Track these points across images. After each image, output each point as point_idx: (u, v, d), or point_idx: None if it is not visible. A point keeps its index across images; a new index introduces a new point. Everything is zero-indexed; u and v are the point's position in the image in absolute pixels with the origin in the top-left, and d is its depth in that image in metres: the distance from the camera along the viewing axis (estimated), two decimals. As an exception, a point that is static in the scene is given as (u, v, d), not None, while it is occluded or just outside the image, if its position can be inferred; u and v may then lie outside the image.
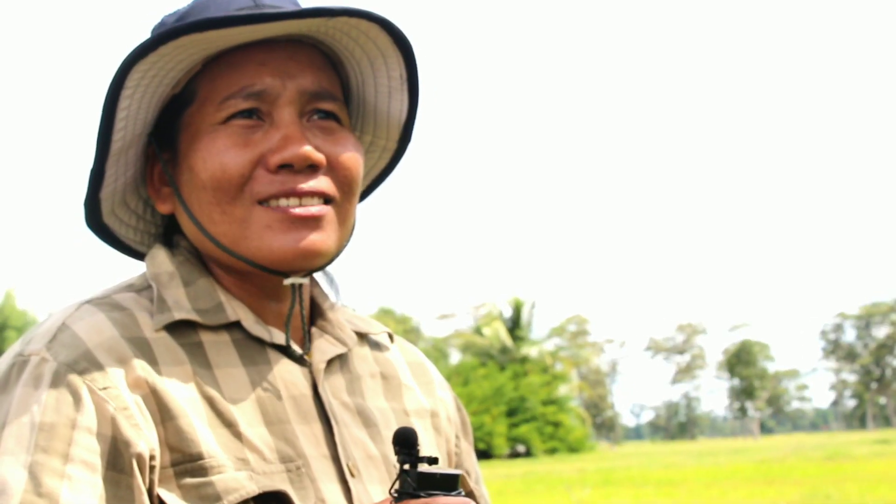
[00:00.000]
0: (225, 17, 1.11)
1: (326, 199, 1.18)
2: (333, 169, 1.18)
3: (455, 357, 60.34)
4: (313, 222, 1.16)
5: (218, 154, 1.15)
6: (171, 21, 1.21)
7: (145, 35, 1.24)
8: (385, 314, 67.90)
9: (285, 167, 1.15)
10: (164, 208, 1.22)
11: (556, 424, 50.08)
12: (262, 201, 1.15)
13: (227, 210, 1.15)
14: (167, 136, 1.20)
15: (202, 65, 1.17)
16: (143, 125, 1.17)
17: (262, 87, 1.16)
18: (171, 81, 1.16)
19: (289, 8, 1.18)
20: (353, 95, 1.28)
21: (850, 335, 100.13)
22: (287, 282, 1.19)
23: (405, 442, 1.02)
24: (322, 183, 1.17)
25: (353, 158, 1.20)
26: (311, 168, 1.16)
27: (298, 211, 1.15)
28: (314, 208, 1.16)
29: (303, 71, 1.18)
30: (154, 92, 1.15)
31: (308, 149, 1.15)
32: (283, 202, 1.15)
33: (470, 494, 1.34)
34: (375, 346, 1.35)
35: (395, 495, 1.02)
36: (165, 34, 1.10)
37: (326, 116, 1.20)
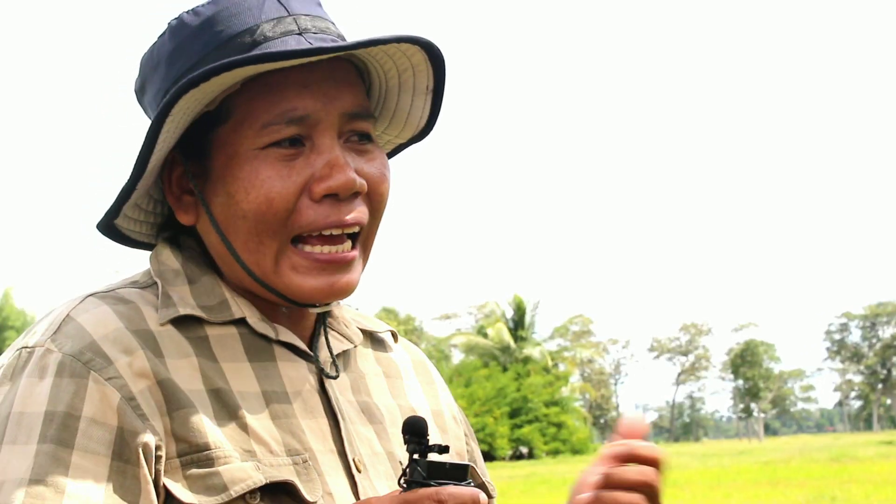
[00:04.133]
0: (286, 52, 1.11)
1: (360, 230, 1.19)
2: (370, 194, 1.19)
3: (457, 357, 60.24)
4: (345, 265, 1.17)
5: (262, 185, 1.14)
6: (194, 23, 1.18)
7: (149, 32, 1.24)
8: (387, 314, 67.86)
9: (330, 196, 1.15)
10: (185, 219, 1.21)
11: (559, 425, 50.02)
12: (297, 238, 1.16)
13: (265, 242, 1.16)
14: (196, 149, 1.19)
15: (240, 85, 1.16)
16: (173, 141, 1.17)
17: (304, 112, 1.15)
18: (207, 100, 1.15)
19: (325, 17, 1.20)
20: (374, 99, 1.28)
21: (855, 335, 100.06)
22: (314, 311, 1.22)
23: (415, 430, 1.03)
24: (361, 213, 1.18)
25: (387, 184, 1.21)
26: (354, 195, 1.17)
27: (331, 258, 1.16)
28: (345, 254, 1.17)
29: (341, 91, 1.18)
30: (192, 111, 1.15)
31: (353, 176, 1.15)
32: (319, 244, 1.16)
33: (481, 487, 1.34)
34: (380, 344, 1.35)
35: (405, 485, 1.02)
36: (222, 66, 1.10)
37: (362, 138, 1.20)
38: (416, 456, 1.02)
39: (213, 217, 1.17)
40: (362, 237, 1.19)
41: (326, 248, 1.16)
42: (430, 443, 1.03)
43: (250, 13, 1.16)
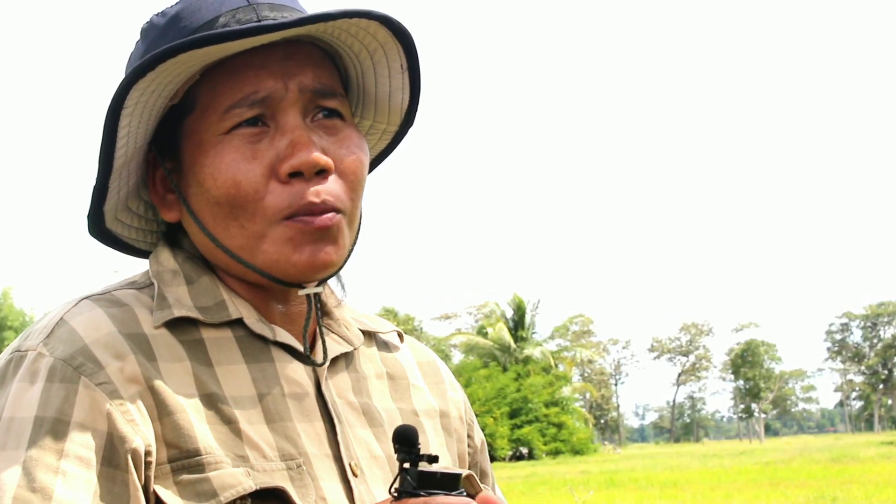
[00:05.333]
0: (227, 32, 1.10)
1: (336, 209, 1.17)
2: (341, 172, 1.18)
3: (457, 357, 60.16)
4: (328, 234, 1.15)
5: (228, 169, 1.14)
6: (161, 22, 1.19)
7: (136, 35, 1.24)
8: (387, 314, 67.82)
9: (296, 175, 1.15)
10: (169, 216, 1.21)
11: (559, 426, 49.97)
12: (286, 218, 1.15)
13: (245, 225, 1.15)
14: (169, 144, 1.19)
15: (200, 74, 1.16)
16: (143, 137, 1.17)
17: (265, 92, 1.14)
18: (169, 94, 1.15)
19: (288, 6, 1.19)
20: (353, 86, 1.27)
21: (856, 335, 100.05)
22: (303, 292, 1.20)
23: (405, 440, 1.02)
24: (332, 189, 1.16)
25: (359, 161, 1.19)
26: (321, 173, 1.15)
27: (315, 222, 1.14)
28: (328, 216, 1.16)
29: (303, 69, 1.17)
30: (154, 105, 1.15)
31: (316, 154, 1.14)
32: (306, 217, 1.15)
33: (475, 495, 1.32)
34: (384, 345, 1.34)
35: (395, 494, 1.02)
36: (166, 52, 1.09)
37: (330, 115, 1.19)
38: (406, 465, 1.01)
39: (190, 209, 1.17)
40: (343, 215, 1.17)
41: (311, 218, 1.14)
42: (421, 452, 1.01)
43: (212, 7, 1.17)
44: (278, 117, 1.15)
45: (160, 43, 1.17)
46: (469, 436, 1.37)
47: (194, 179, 1.16)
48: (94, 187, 1.16)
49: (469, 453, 1.36)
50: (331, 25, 1.15)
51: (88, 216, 1.19)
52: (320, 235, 1.14)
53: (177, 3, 1.19)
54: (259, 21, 1.15)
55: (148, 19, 1.21)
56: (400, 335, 1.36)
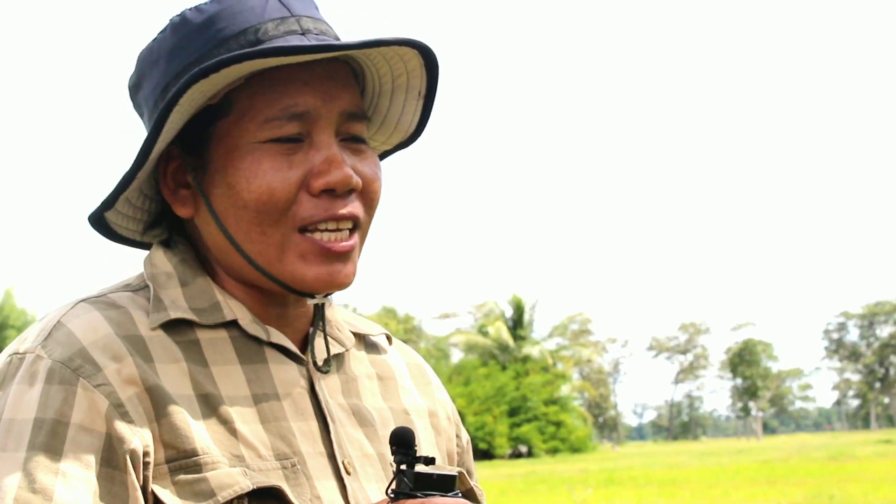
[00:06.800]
0: (299, 47, 1.12)
1: (355, 224, 1.20)
2: (364, 192, 1.21)
3: (456, 356, 60.25)
4: (345, 256, 1.19)
5: (264, 176, 1.16)
6: (197, 20, 1.19)
7: (145, 33, 1.29)
8: (387, 313, 67.86)
9: (327, 191, 1.17)
10: (183, 212, 1.22)
11: (558, 424, 50.03)
12: (303, 228, 1.17)
13: (267, 231, 1.17)
14: (193, 141, 1.20)
15: (244, 79, 1.17)
16: (174, 133, 1.18)
17: (305, 108, 1.17)
18: (212, 93, 1.16)
19: (322, 20, 1.21)
20: (365, 102, 1.29)
21: (853, 334, 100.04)
22: (312, 302, 1.22)
23: (402, 441, 1.03)
24: (356, 207, 1.20)
25: (380, 182, 1.23)
26: (349, 192, 1.19)
27: (333, 246, 1.18)
28: (346, 242, 1.19)
29: (340, 92, 1.20)
30: (196, 104, 1.16)
31: (350, 173, 1.17)
32: (320, 233, 1.18)
33: (469, 493, 1.35)
34: (373, 347, 1.35)
35: (392, 495, 1.03)
36: (233, 58, 1.11)
37: (356, 140, 1.22)
38: (403, 467, 1.03)
39: (212, 209, 1.19)
40: (359, 232, 1.22)
41: (328, 236, 1.18)
42: (418, 454, 1.03)
43: (253, 12, 1.18)
44: (314, 134, 1.18)
45: (195, 41, 1.18)
46: (458, 436, 1.40)
47: (224, 181, 1.18)
48: (125, 176, 1.17)
49: (457, 453, 1.39)
50: (376, 50, 1.19)
51: (105, 201, 1.21)
52: (337, 257, 1.18)
53: (213, 2, 1.20)
54: (302, 32, 1.18)
55: (179, 13, 1.21)
56: (388, 337, 1.38)
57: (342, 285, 1.19)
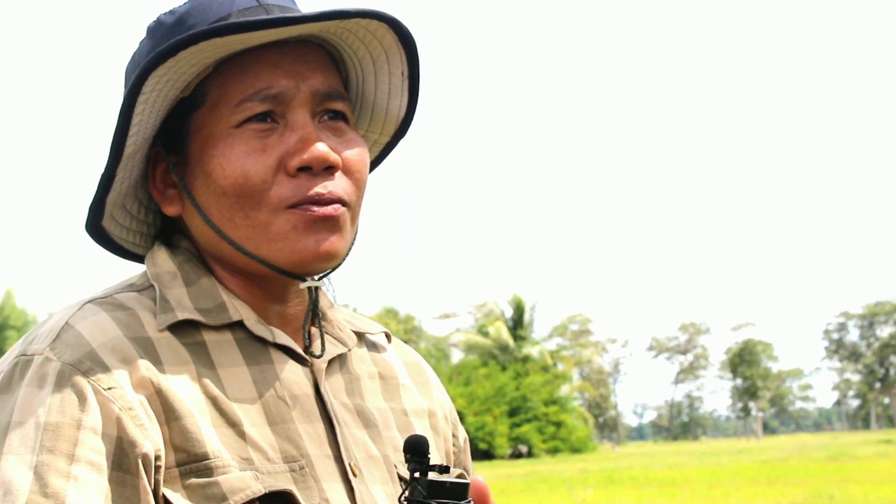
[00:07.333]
0: (249, 22, 1.11)
1: (342, 202, 1.19)
2: (347, 171, 1.20)
3: (456, 356, 60.23)
4: (332, 223, 1.17)
5: (238, 160, 1.15)
6: (170, 21, 1.20)
7: (140, 35, 1.24)
8: (387, 313, 67.81)
9: (304, 170, 1.16)
10: (170, 210, 1.22)
11: (558, 424, 50.00)
12: (289, 206, 1.16)
13: (250, 215, 1.16)
14: (174, 139, 1.20)
15: (213, 67, 1.17)
16: (152, 129, 1.18)
17: (277, 89, 1.16)
18: (181, 85, 1.16)
19: (296, 9, 1.20)
20: (352, 92, 1.29)
21: (853, 335, 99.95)
22: (304, 285, 1.21)
23: (416, 450, 1.04)
24: (339, 184, 1.18)
25: (363, 160, 1.22)
26: (328, 169, 1.18)
27: (320, 211, 1.16)
28: (333, 207, 1.17)
29: (313, 72, 1.19)
30: (166, 96, 1.16)
31: (325, 150, 1.16)
32: (305, 206, 1.16)
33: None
34: (373, 346, 1.35)
35: (406, 503, 1.04)
36: (186, 39, 1.11)
37: (336, 117, 1.21)
38: (416, 475, 1.03)
39: (194, 201, 1.19)
40: (349, 210, 1.20)
41: (317, 208, 1.17)
42: (431, 462, 1.04)
43: (222, 6, 1.18)
44: (288, 115, 1.17)
45: (167, 40, 1.18)
46: (454, 435, 1.39)
47: (201, 171, 1.17)
48: (102, 175, 1.17)
49: (454, 452, 1.39)
50: (343, 26, 1.18)
51: (91, 206, 1.20)
52: (325, 224, 1.17)
53: (185, 3, 1.21)
54: (267, 14, 1.17)
55: (155, 18, 1.22)
56: (388, 336, 1.38)
57: (330, 255, 1.17)
